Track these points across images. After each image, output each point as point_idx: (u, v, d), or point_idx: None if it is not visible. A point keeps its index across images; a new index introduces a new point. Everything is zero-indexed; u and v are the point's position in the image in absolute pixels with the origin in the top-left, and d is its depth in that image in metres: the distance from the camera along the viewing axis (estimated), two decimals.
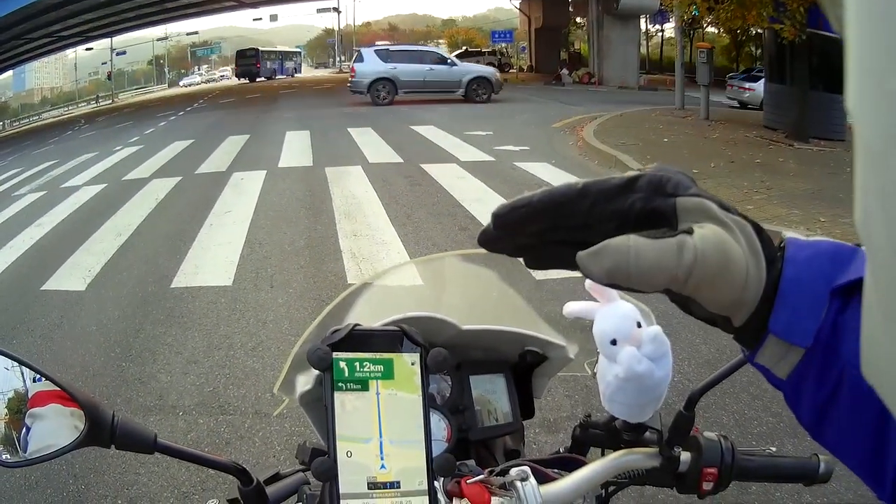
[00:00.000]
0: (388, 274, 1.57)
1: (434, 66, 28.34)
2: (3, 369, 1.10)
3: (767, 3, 14.63)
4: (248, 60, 69.61)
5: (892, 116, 0.36)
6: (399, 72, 27.79)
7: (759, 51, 45.01)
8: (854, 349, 0.51)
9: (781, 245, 0.58)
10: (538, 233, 0.60)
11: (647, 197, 0.56)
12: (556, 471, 1.24)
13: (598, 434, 1.33)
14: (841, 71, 0.40)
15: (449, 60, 29.17)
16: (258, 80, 67.52)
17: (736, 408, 4.46)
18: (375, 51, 29.32)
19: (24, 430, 1.07)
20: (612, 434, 1.30)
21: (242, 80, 68.55)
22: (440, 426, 1.29)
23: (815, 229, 8.10)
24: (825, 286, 0.56)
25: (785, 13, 14.32)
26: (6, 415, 1.07)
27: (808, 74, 15.62)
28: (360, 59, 28.65)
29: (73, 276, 8.18)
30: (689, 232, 0.54)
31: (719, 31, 46.69)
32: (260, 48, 74.78)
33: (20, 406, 1.08)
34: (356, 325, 1.07)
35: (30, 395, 1.09)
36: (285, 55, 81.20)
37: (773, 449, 1.27)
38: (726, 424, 4.28)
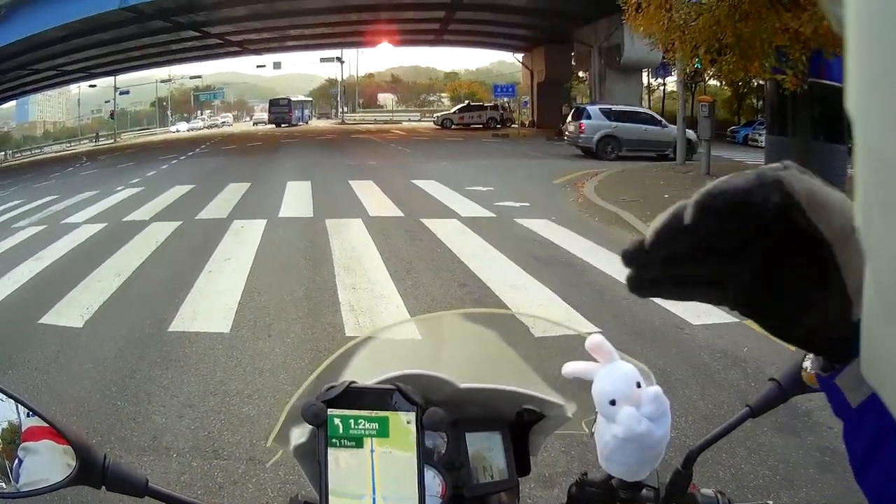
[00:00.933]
0: (388, 330, 1.57)
1: (648, 127, 29.23)
2: None
3: (770, 54, 14.71)
4: (282, 109, 76.04)
5: (891, 118, 0.36)
6: (620, 130, 28.79)
7: (760, 103, 45.30)
8: None
9: None
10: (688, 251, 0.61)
11: None
12: None
13: (594, 492, 1.32)
14: (841, 120, 0.40)
15: (661, 122, 29.79)
16: (282, 125, 72.40)
17: (732, 462, 4.44)
18: (599, 109, 30.08)
19: (16, 462, 1.06)
20: (608, 492, 1.29)
21: (265, 126, 75.85)
22: (435, 482, 1.28)
23: None
24: None
25: (787, 63, 14.40)
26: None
27: (810, 125, 15.70)
28: (587, 116, 29.42)
29: (71, 312, 8.19)
30: None
31: (721, 84, 47.08)
32: (291, 98, 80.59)
33: (14, 437, 1.08)
34: (352, 382, 1.06)
35: (23, 429, 1.09)
36: (304, 104, 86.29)
37: (770, 503, 1.26)
38: (723, 479, 4.26)
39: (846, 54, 0.39)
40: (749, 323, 6.50)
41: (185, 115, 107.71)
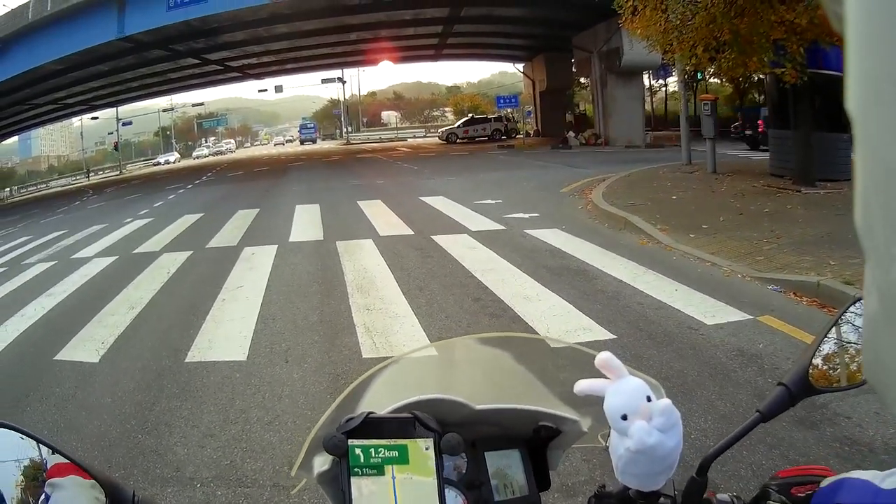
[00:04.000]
0: (405, 358, 1.59)
1: None
2: (17, 439, 1.08)
3: (768, 48, 14.72)
4: (310, 130, 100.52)
5: (891, 118, 0.37)
6: None
7: (762, 97, 45.11)
8: None
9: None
10: None
11: None
12: None
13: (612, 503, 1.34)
14: (842, 108, 0.41)
15: None
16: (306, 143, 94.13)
17: (753, 459, 4.42)
18: None
19: (42, 497, 1.04)
20: (626, 503, 1.31)
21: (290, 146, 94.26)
22: (457, 501, 1.30)
23: (825, 273, 8.09)
24: None
25: (785, 56, 14.40)
26: (22, 482, 1.05)
27: (811, 116, 15.73)
28: None
29: (87, 347, 8.24)
30: None
31: (722, 81, 46.92)
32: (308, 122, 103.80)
33: (37, 474, 1.06)
34: (370, 412, 1.09)
35: (48, 466, 1.07)
36: (317, 127, 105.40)
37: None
38: (744, 476, 4.24)
39: (846, 54, 0.40)
40: (762, 319, 6.44)
41: (189, 142, 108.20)
